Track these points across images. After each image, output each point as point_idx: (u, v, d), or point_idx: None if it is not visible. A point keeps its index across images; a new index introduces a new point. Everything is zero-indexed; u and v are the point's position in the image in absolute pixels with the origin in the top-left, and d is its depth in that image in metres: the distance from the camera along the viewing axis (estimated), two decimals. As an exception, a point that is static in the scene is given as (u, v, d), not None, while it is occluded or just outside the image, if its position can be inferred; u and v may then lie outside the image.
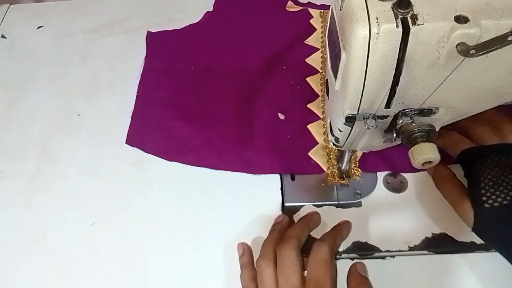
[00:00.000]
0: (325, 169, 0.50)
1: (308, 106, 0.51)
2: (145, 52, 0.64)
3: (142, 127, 0.55)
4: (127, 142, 0.54)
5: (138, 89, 0.59)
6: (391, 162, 0.49)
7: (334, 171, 0.50)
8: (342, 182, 0.50)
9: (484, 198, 0.39)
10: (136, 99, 0.58)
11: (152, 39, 0.63)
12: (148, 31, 0.63)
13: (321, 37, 0.50)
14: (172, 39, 0.62)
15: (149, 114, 0.56)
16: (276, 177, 0.51)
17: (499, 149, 0.42)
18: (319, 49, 0.52)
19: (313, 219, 0.46)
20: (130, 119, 0.58)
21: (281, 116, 0.51)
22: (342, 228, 0.45)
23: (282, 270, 0.38)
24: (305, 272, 0.40)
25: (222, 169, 0.50)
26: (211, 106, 0.54)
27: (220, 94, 0.54)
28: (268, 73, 0.54)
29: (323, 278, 0.38)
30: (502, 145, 0.43)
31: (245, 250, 0.44)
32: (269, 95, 0.53)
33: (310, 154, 0.50)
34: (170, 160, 0.53)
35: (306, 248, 0.42)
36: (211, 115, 0.53)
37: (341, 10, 0.31)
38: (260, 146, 0.50)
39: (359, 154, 0.51)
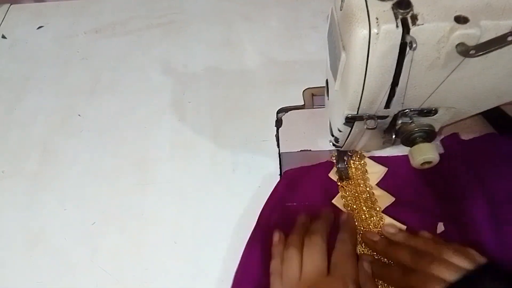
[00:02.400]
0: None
1: None
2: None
3: None
4: None
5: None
6: None
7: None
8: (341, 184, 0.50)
9: None
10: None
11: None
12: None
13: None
14: None
15: None
16: (276, 177, 0.51)
17: (481, 276, 0.36)
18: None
19: (330, 218, 0.46)
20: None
21: None
22: (353, 224, 0.46)
23: (309, 255, 0.40)
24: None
25: None
26: None
27: None
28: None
29: (350, 270, 0.39)
30: (483, 269, 0.36)
31: (281, 240, 0.44)
32: None
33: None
34: None
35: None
36: None
37: (341, 10, 0.31)
38: None
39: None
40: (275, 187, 0.50)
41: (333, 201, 0.48)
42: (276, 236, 0.45)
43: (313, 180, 0.50)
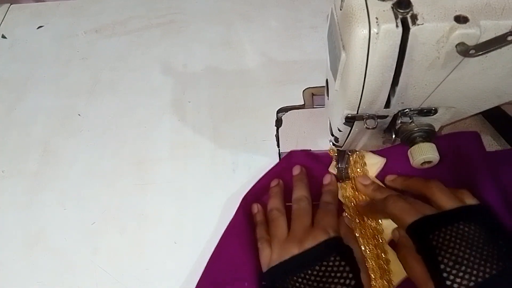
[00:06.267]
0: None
1: None
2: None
3: None
4: None
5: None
6: None
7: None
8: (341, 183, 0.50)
9: (448, 283, 0.34)
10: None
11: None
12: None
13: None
14: None
15: None
16: (277, 177, 0.52)
17: (458, 215, 0.37)
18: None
19: (305, 180, 0.49)
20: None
21: None
22: (335, 187, 0.49)
23: (297, 216, 0.44)
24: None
25: None
26: None
27: None
28: None
29: (331, 223, 0.42)
30: (462, 208, 0.38)
31: (260, 210, 0.48)
32: None
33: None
34: None
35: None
36: None
37: (341, 10, 0.31)
38: None
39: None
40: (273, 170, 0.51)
41: (329, 169, 0.50)
42: (255, 207, 0.48)
43: (313, 175, 0.51)
